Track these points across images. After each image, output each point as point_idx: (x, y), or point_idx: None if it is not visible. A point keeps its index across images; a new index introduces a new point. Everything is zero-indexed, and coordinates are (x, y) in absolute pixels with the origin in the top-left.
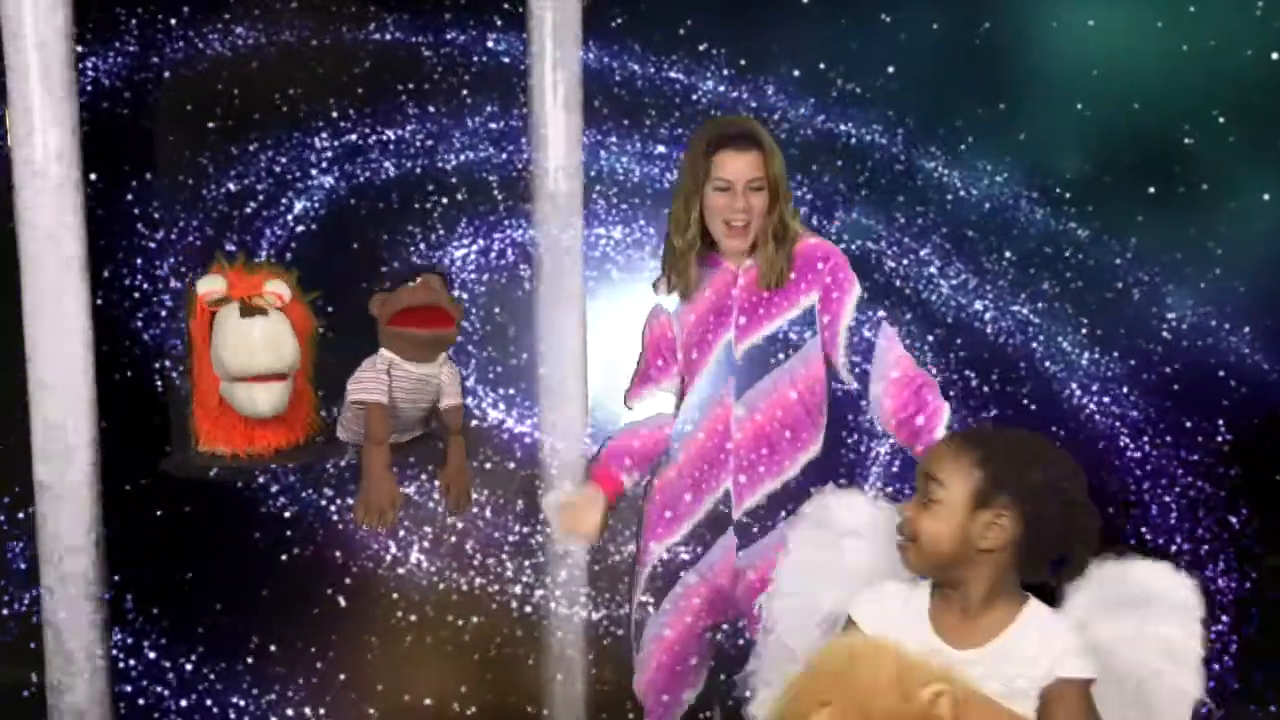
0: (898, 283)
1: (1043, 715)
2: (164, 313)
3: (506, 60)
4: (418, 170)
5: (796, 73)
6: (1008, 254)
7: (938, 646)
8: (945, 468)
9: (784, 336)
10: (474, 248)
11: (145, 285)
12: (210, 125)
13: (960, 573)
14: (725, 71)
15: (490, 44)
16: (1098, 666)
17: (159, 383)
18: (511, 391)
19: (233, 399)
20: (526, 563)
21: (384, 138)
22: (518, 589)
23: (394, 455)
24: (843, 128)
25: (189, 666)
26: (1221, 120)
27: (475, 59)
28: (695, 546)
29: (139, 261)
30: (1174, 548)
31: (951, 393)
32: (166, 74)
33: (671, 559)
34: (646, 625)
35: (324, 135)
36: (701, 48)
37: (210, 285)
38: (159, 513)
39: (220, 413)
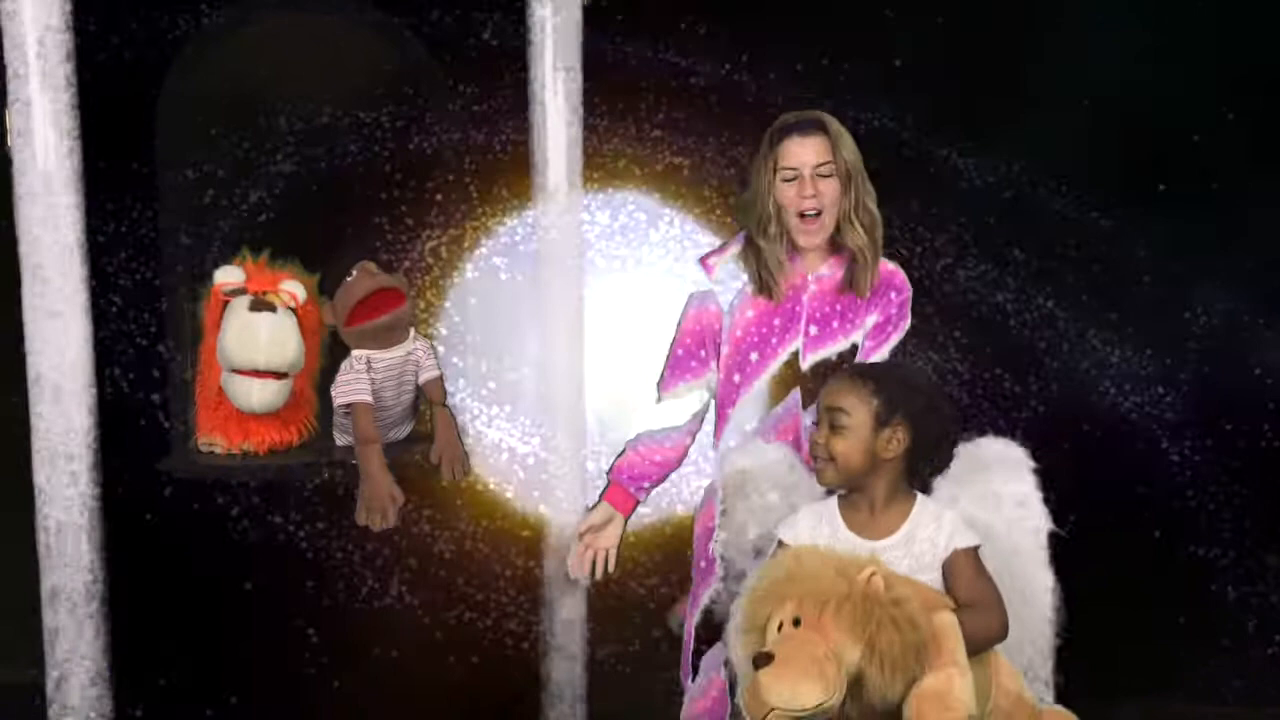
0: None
1: (949, 581)
2: (165, 313)
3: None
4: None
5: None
6: (1029, 247)
7: (856, 542)
8: (848, 399)
9: (851, 351)
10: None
11: (146, 285)
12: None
13: (868, 480)
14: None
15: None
16: (979, 534)
17: (159, 382)
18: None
19: (229, 390)
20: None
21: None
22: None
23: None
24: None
25: (189, 666)
26: (1254, 109)
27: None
28: None
29: (139, 261)
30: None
31: (980, 390)
32: (167, 70)
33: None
34: (706, 654)
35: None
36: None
37: (227, 275)
38: (159, 513)
39: (218, 404)
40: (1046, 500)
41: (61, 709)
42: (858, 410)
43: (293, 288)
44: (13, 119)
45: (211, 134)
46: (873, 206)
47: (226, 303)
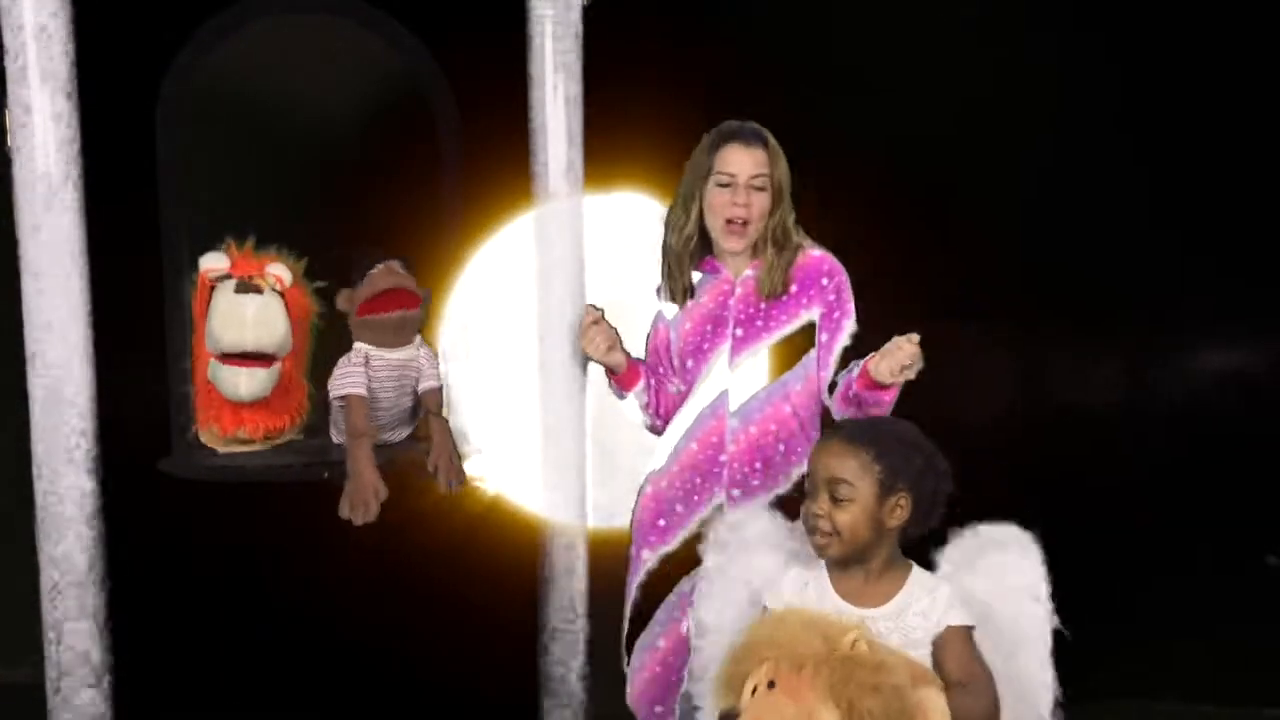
0: None
1: (938, 660)
2: (165, 312)
3: None
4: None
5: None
6: None
7: (845, 608)
8: (849, 469)
9: (781, 350)
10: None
11: (146, 285)
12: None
13: (871, 551)
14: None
15: None
16: (975, 615)
17: (159, 382)
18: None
19: (217, 380)
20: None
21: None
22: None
23: (383, 460)
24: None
25: (189, 666)
26: None
27: None
28: (688, 554)
29: (139, 260)
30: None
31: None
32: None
33: (663, 568)
34: (640, 636)
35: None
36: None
37: (213, 262)
38: (159, 513)
39: (209, 390)
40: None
41: (61, 709)
42: (861, 480)
43: (278, 270)
44: (13, 119)
45: (212, 134)
46: (791, 227)
47: (213, 288)
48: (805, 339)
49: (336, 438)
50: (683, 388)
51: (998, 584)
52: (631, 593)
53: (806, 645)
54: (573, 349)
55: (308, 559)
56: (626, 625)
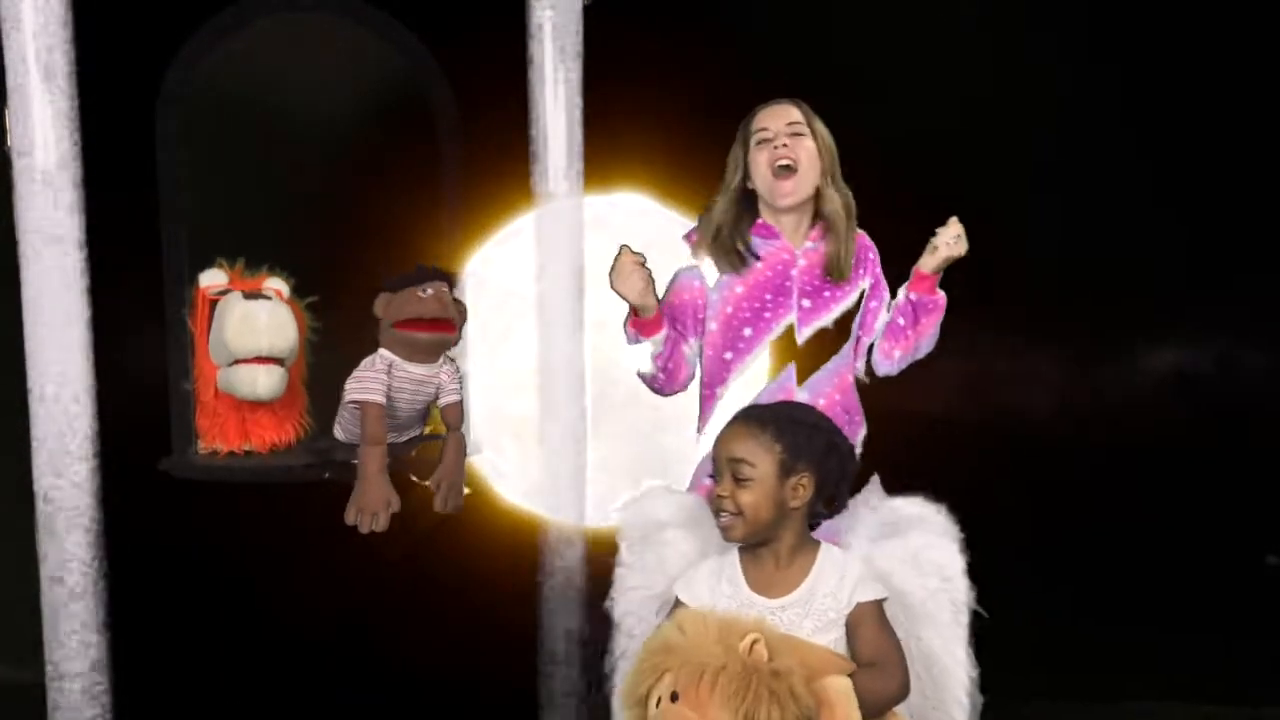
0: None
1: (851, 636)
2: (164, 312)
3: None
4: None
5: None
6: None
7: (757, 601)
8: (749, 449)
9: (844, 320)
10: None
11: (146, 284)
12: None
13: (775, 532)
14: None
15: None
16: (885, 589)
17: (159, 382)
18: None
19: (232, 383)
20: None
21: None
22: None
23: (392, 456)
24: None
25: (189, 666)
26: None
27: None
28: None
29: (139, 261)
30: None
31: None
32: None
33: None
34: None
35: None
36: None
37: (213, 279)
38: (159, 513)
39: (216, 408)
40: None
41: (61, 709)
42: (762, 460)
43: (276, 284)
44: (12, 119)
45: (212, 133)
46: (846, 191)
47: (214, 303)
48: (856, 308)
49: (341, 435)
50: (727, 356)
51: (910, 559)
52: None
53: (706, 653)
54: (616, 291)
55: (308, 559)
56: None
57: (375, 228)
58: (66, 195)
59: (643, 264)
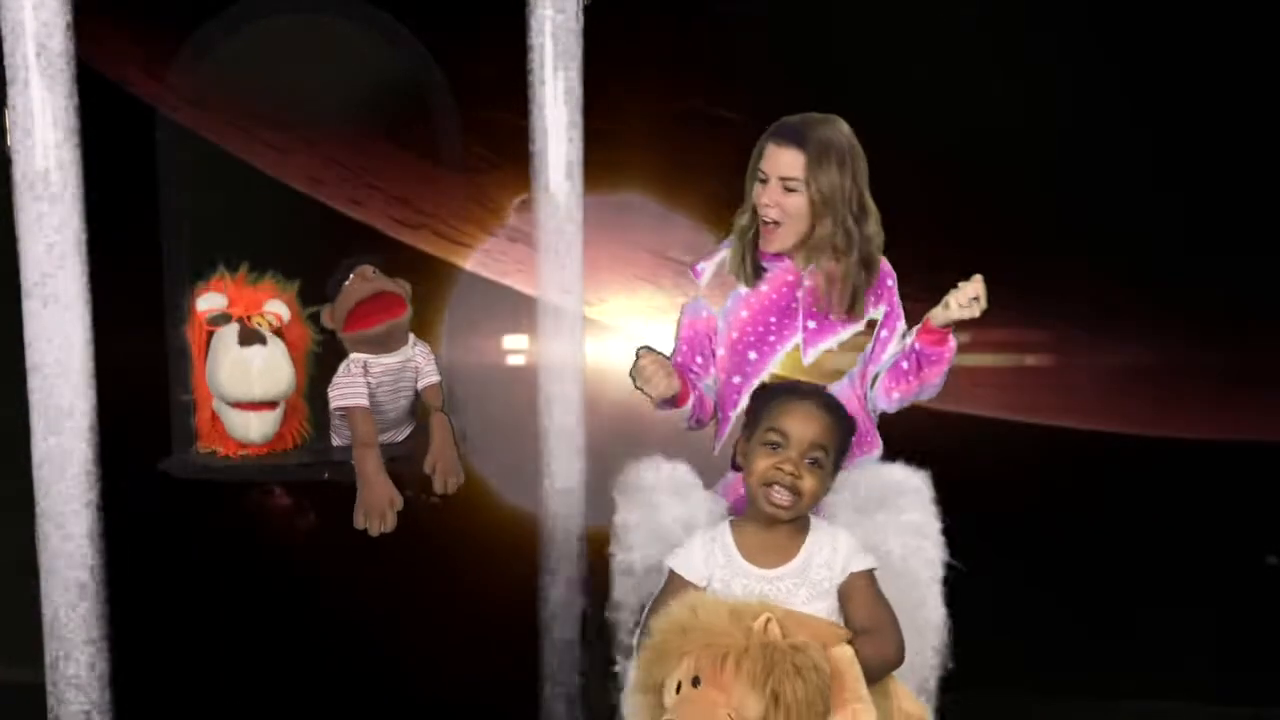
0: None
1: (846, 605)
2: (165, 311)
3: None
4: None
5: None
6: None
7: (752, 571)
8: (829, 437)
9: (852, 342)
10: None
11: (146, 284)
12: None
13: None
14: None
15: None
16: (875, 558)
17: (159, 382)
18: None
19: (226, 423)
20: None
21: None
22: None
23: (389, 457)
24: None
25: (189, 667)
26: None
27: None
28: None
29: (139, 260)
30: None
31: None
32: (168, 72)
33: None
34: None
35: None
36: None
37: (210, 303)
38: (159, 513)
39: (215, 420)
40: (945, 530)
41: (61, 709)
42: (832, 449)
43: (276, 308)
44: (13, 119)
45: (211, 133)
46: (855, 230)
47: (211, 331)
48: (867, 332)
49: (336, 441)
50: (736, 380)
51: (891, 522)
52: None
53: (724, 635)
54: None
55: (308, 559)
56: None
57: (374, 227)
58: (66, 195)
59: (662, 360)
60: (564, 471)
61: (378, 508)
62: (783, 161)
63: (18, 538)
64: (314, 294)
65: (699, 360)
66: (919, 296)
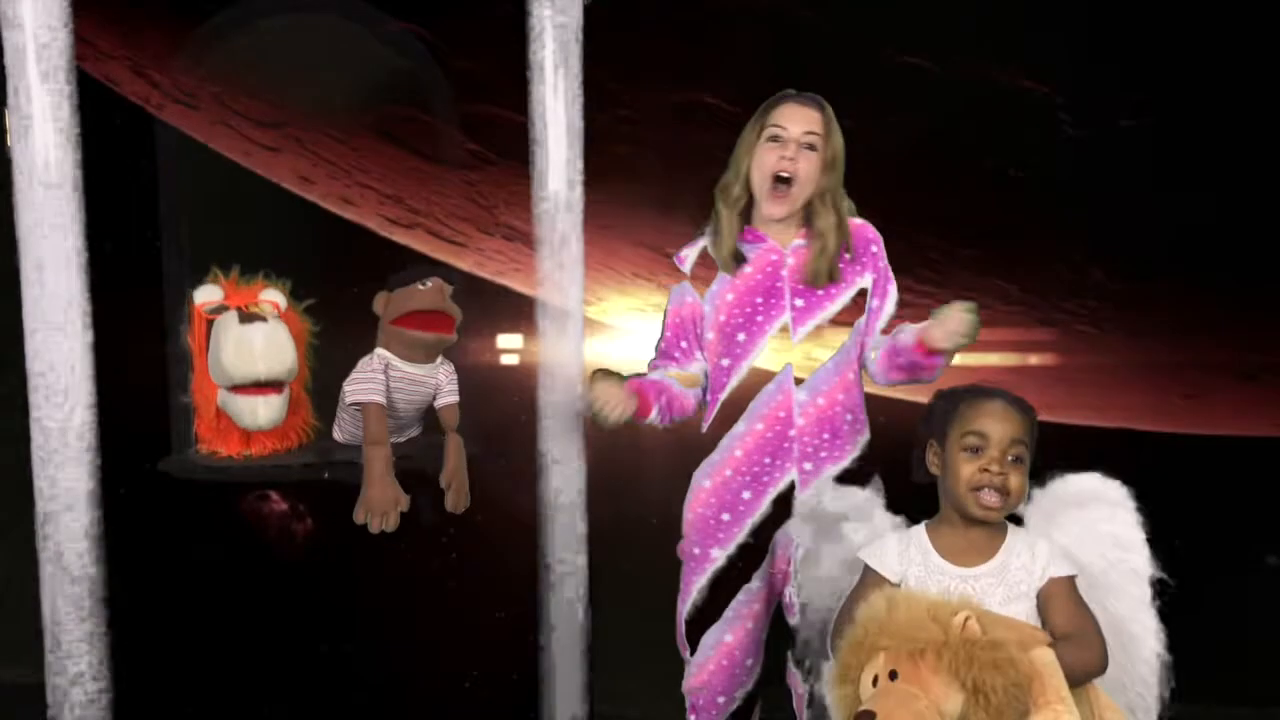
0: None
1: (1046, 611)
2: (164, 312)
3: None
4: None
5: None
6: None
7: (949, 569)
8: (1022, 430)
9: (841, 316)
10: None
11: (146, 284)
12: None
13: None
14: None
15: None
16: (1075, 565)
17: (159, 382)
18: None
19: (231, 411)
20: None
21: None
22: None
23: (399, 455)
24: None
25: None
26: None
27: None
28: (756, 551)
29: (139, 260)
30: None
31: None
32: (167, 73)
33: (732, 564)
34: (708, 630)
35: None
36: None
37: (207, 295)
38: (159, 513)
39: (218, 420)
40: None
41: (62, 709)
42: (1030, 445)
43: (273, 296)
44: (13, 119)
45: (211, 133)
46: (843, 208)
47: (210, 321)
48: (857, 306)
49: (339, 436)
50: (725, 362)
51: (1087, 533)
52: (691, 592)
53: (922, 630)
54: (579, 392)
55: (308, 559)
56: (684, 616)
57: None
58: (66, 193)
59: (613, 388)
60: (565, 474)
61: (381, 507)
62: (803, 119)
63: (17, 537)
64: (307, 294)
65: (683, 345)
66: (918, 293)
